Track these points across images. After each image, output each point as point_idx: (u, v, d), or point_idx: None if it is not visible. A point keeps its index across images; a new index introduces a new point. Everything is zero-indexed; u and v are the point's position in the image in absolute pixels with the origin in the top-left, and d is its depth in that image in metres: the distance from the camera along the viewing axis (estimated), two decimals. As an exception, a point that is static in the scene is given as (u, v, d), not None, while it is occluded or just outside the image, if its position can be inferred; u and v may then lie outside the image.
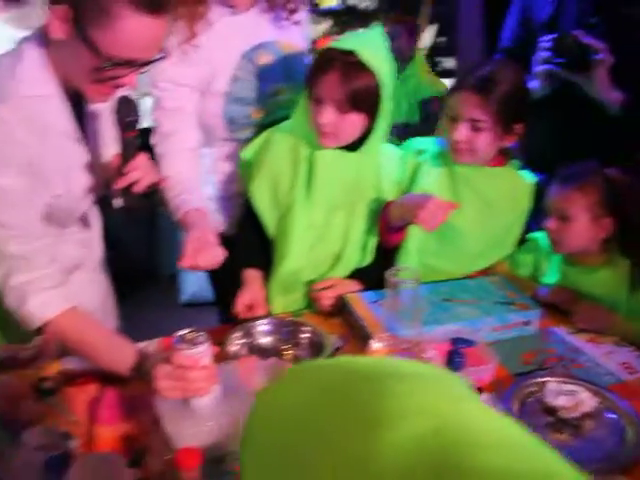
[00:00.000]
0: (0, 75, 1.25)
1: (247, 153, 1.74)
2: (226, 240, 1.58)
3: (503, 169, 1.78)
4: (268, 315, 1.65)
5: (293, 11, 1.79)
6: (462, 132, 1.67)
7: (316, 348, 1.49)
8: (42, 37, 1.26)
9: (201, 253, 1.45)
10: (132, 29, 1.17)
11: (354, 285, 1.70)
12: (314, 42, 3.39)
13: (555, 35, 1.86)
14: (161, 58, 1.28)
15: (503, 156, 1.78)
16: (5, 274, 1.30)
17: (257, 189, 1.71)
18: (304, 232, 1.67)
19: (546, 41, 1.87)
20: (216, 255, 1.48)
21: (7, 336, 1.50)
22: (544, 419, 1.28)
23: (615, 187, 1.58)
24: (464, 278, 1.77)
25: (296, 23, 1.82)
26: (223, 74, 1.72)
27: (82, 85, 1.26)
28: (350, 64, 1.49)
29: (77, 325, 1.32)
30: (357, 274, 1.73)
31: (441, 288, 1.68)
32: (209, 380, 1.15)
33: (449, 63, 4.25)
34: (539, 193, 1.76)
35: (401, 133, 2.61)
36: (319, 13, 4.26)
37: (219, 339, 1.41)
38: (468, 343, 1.39)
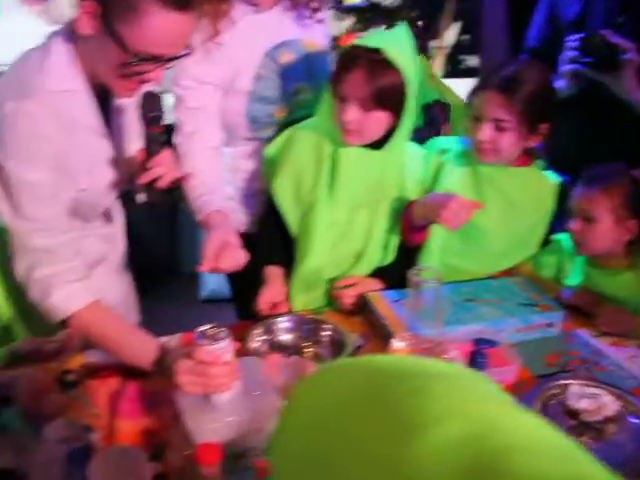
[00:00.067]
0: (29, 70, 1.26)
1: (270, 150, 1.74)
2: (246, 238, 1.58)
3: (527, 169, 1.77)
4: (289, 312, 1.65)
5: (316, 10, 1.78)
6: (486, 132, 1.66)
7: (337, 346, 1.49)
8: (70, 32, 1.27)
9: (223, 256, 1.45)
10: (159, 25, 1.18)
11: (376, 284, 1.70)
12: (337, 39, 3.38)
13: (582, 34, 1.84)
14: (187, 54, 1.28)
15: (527, 156, 1.76)
16: (29, 267, 1.32)
17: (280, 186, 1.71)
18: (326, 230, 1.67)
19: (573, 40, 1.85)
20: (238, 258, 1.47)
21: (31, 329, 1.52)
22: (566, 422, 1.27)
23: (641, 189, 1.56)
24: (487, 278, 1.76)
25: (319, 21, 1.81)
26: (246, 73, 1.72)
27: (109, 80, 1.27)
28: (376, 62, 1.48)
29: (100, 319, 1.33)
30: (379, 273, 1.73)
31: (464, 288, 1.67)
32: (230, 376, 1.15)
33: (473, 61, 4.22)
34: (563, 194, 1.74)
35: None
36: (342, 10, 4.25)
37: (240, 335, 1.41)
38: (491, 344, 1.38)
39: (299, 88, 1.79)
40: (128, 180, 1.48)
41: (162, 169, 1.36)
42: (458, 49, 4.24)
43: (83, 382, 1.36)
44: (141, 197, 1.40)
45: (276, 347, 1.51)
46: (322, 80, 1.75)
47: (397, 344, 1.35)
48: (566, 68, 1.88)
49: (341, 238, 1.70)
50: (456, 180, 1.75)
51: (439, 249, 1.73)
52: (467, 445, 0.41)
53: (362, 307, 1.65)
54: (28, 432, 1.13)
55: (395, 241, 1.72)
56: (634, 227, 1.57)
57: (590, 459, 0.43)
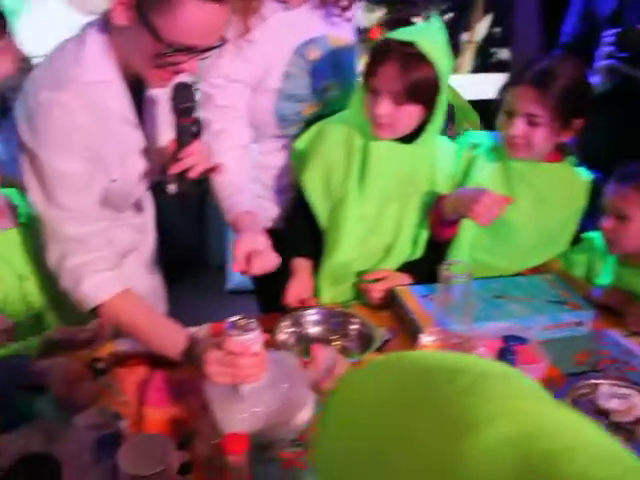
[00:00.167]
0: (64, 61, 1.27)
1: (300, 144, 1.74)
2: (274, 234, 1.57)
3: (559, 165, 1.75)
4: (317, 305, 1.65)
5: (345, 8, 1.77)
6: (519, 127, 1.64)
7: (365, 340, 1.49)
8: (105, 23, 1.27)
9: (254, 260, 1.44)
10: (193, 15, 1.18)
11: (405, 278, 1.69)
12: (367, 31, 3.36)
13: (619, 29, 1.81)
14: (221, 45, 1.28)
15: (559, 152, 1.74)
16: (61, 256, 1.33)
17: (310, 179, 1.71)
18: (356, 224, 1.66)
19: (609, 35, 1.82)
20: (268, 262, 1.46)
21: (63, 318, 1.54)
22: (596, 422, 1.25)
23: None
24: (516, 275, 1.75)
25: (348, 20, 1.80)
26: (276, 70, 1.70)
27: (143, 70, 1.28)
28: (409, 55, 1.47)
29: (130, 308, 1.34)
30: (407, 267, 1.72)
31: (493, 284, 1.66)
32: (259, 367, 1.15)
33: (503, 54, 4.18)
34: (595, 191, 1.72)
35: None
36: (373, 1, 4.23)
37: (268, 327, 1.41)
38: (520, 341, 1.37)
39: (327, 85, 1.77)
40: (159, 171, 1.49)
41: (193, 160, 1.37)
42: (489, 42, 4.20)
43: (112, 370, 1.37)
44: (172, 188, 1.41)
45: (304, 340, 1.52)
46: (349, 76, 1.74)
47: (425, 339, 1.35)
48: (602, 63, 1.85)
49: (370, 232, 1.70)
50: (487, 175, 1.73)
51: (468, 244, 1.72)
52: (518, 445, 0.41)
53: (390, 301, 1.65)
54: (61, 419, 1.15)
55: (424, 236, 1.71)
56: (668, 227, 1.55)
57: (636, 461, 0.42)
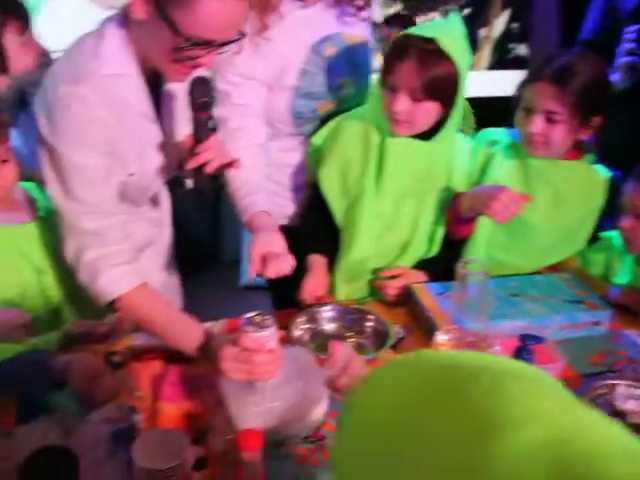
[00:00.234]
0: (83, 55, 1.28)
1: (317, 140, 1.74)
2: (288, 232, 1.56)
3: (577, 163, 1.73)
4: (333, 301, 1.65)
5: (361, 8, 1.76)
6: (537, 124, 1.63)
7: (380, 337, 1.48)
8: (124, 17, 1.27)
9: (269, 262, 1.43)
10: (212, 9, 1.17)
11: (420, 276, 1.69)
12: (381, 26, 3.34)
13: (641, 26, 1.80)
14: (240, 39, 1.28)
15: (578, 150, 1.72)
16: (78, 249, 1.34)
17: (326, 176, 1.70)
18: (372, 221, 1.66)
19: (631, 32, 1.80)
20: (283, 265, 1.45)
21: (80, 312, 1.54)
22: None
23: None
24: (533, 274, 1.74)
25: (364, 20, 1.79)
26: (292, 68, 1.69)
27: (161, 64, 1.27)
28: (429, 52, 1.46)
29: (147, 302, 1.34)
30: (423, 265, 1.72)
31: (509, 283, 1.65)
32: (274, 364, 1.15)
33: (521, 50, 4.15)
34: (614, 189, 1.70)
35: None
36: (389, -3, 4.21)
37: (283, 323, 1.41)
38: (537, 340, 1.36)
39: (342, 82, 1.76)
40: (176, 165, 1.49)
41: (210, 154, 1.36)
42: (507, 37, 4.17)
43: (128, 364, 1.38)
44: (189, 183, 1.41)
45: (319, 336, 1.52)
46: (364, 73, 1.73)
47: (441, 337, 1.34)
48: (622, 60, 1.83)
49: (387, 229, 1.69)
50: (505, 172, 1.72)
51: (485, 242, 1.71)
52: (549, 448, 0.41)
53: (406, 299, 1.64)
54: (80, 414, 1.15)
55: (441, 233, 1.71)
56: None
57: None
